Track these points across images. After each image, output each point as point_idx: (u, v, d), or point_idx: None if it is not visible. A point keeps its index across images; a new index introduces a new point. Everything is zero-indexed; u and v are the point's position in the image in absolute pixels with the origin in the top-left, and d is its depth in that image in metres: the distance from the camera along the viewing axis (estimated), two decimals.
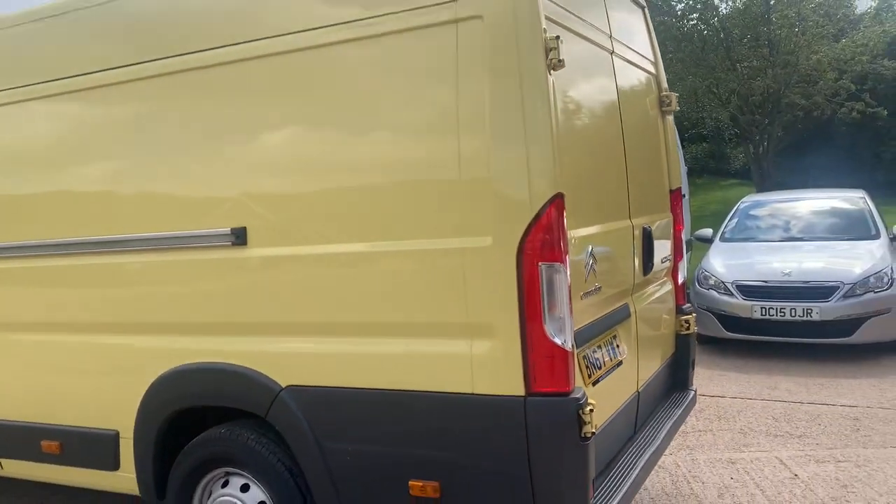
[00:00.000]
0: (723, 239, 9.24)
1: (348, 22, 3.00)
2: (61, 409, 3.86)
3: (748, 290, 7.84)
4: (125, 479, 3.75)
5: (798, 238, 8.87)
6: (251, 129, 3.25)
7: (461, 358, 2.84)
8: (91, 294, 3.68)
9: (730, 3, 24.15)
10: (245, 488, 3.43)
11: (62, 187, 3.73)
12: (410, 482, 2.98)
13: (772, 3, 22.75)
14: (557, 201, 2.70)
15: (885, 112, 24.20)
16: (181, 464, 3.54)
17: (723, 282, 8.04)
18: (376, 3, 2.95)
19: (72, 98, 3.63)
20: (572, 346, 2.76)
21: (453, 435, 2.89)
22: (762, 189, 21.12)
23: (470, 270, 2.80)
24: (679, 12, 23.57)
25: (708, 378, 7.01)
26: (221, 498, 3.47)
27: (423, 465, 2.97)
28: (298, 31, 3.10)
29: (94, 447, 3.77)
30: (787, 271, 7.81)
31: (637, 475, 3.33)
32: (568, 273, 2.75)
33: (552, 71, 2.76)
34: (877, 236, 8.49)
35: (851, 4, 26.77)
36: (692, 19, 23.84)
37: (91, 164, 3.64)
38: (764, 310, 7.69)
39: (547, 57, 2.73)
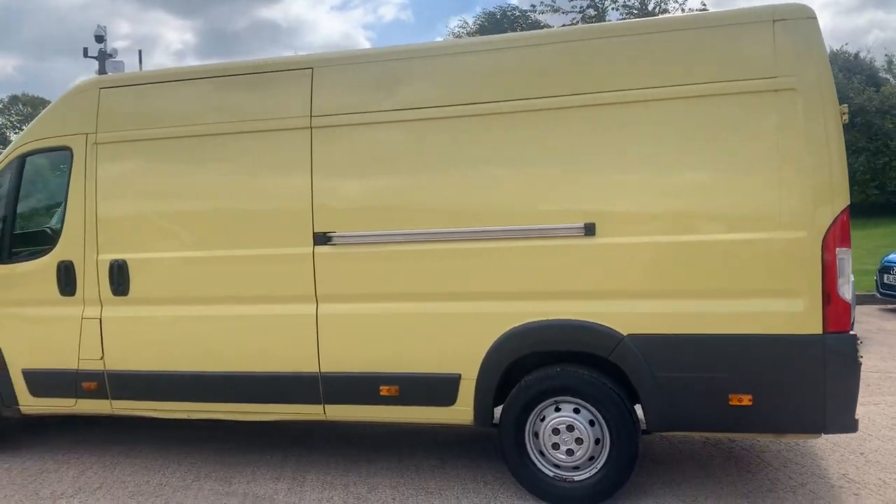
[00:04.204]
0: None
1: (700, 83, 4.46)
2: (403, 360, 4.96)
3: None
4: (459, 411, 4.94)
5: None
6: (606, 156, 4.61)
7: (778, 311, 4.36)
8: (460, 269, 4.83)
9: None
10: (576, 411, 4.76)
11: (452, 188, 4.87)
12: (730, 395, 4.46)
13: None
14: (847, 209, 4.31)
15: None
16: (518, 396, 4.80)
17: None
18: (726, 71, 4.42)
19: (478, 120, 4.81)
20: (852, 302, 4.37)
21: (766, 361, 4.39)
22: None
23: (789, 254, 4.33)
24: None
25: None
26: (557, 419, 4.77)
27: (740, 383, 4.45)
28: (658, 87, 4.52)
29: (434, 388, 4.93)
30: None
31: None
32: (850, 256, 4.35)
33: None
34: None
35: None
36: None
37: (481, 172, 4.82)
38: None
39: (842, 117, 4.33)
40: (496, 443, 4.96)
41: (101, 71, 21.04)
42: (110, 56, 21.14)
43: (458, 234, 4.82)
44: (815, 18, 4.41)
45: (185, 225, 5.36)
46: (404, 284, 4.94)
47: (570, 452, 4.74)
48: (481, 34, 36.49)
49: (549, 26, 34.47)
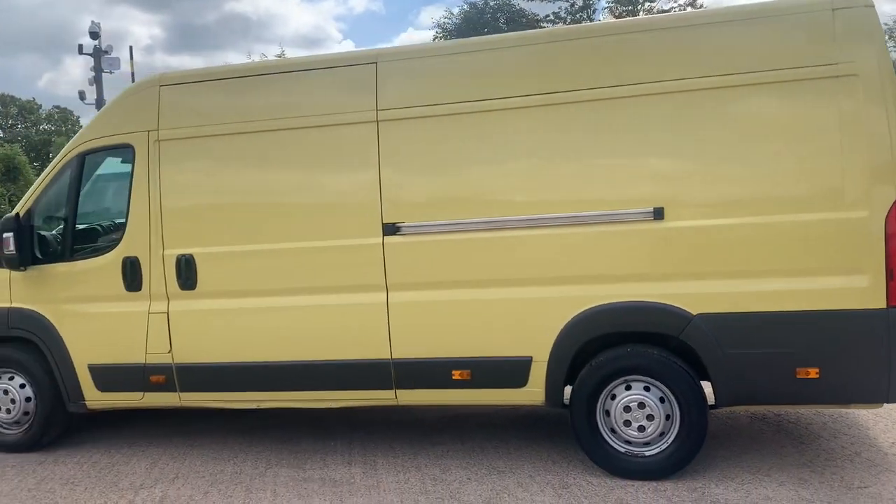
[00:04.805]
0: None
1: (763, 71, 4.65)
2: (475, 344, 5.12)
3: None
4: (531, 393, 5.11)
5: None
6: (674, 142, 4.79)
7: (843, 288, 4.57)
8: (531, 255, 4.99)
9: None
10: (646, 389, 4.95)
11: (521, 177, 5.04)
12: (797, 369, 4.67)
13: None
14: None
15: None
16: (590, 376, 4.98)
17: None
18: (788, 59, 4.61)
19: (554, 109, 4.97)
20: None
21: (832, 335, 4.60)
22: None
23: (853, 233, 4.54)
24: None
25: None
26: (629, 397, 4.95)
27: (807, 356, 4.66)
28: (721, 75, 4.71)
29: (506, 371, 5.10)
30: None
31: None
32: None
33: None
34: None
35: None
36: None
37: (550, 160, 4.99)
38: None
39: None
40: (570, 422, 5.11)
41: (97, 67, 20.92)
42: (105, 52, 21.01)
43: (529, 221, 4.98)
44: (873, 6, 4.61)
45: (252, 218, 5.46)
46: (475, 271, 5.09)
47: (641, 429, 4.93)
48: (465, 23, 36.56)
49: (535, 15, 34.69)
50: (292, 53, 44.11)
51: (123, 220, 5.74)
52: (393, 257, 5.19)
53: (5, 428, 6.10)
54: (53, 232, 6.02)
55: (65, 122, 75.60)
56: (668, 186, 4.79)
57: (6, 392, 6.03)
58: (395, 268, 5.20)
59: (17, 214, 5.81)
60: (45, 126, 75.45)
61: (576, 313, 4.94)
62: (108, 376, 5.78)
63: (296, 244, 5.36)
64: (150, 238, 5.61)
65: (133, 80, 22.50)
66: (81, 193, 5.92)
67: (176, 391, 5.68)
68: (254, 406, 5.65)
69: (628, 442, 4.99)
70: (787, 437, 5.64)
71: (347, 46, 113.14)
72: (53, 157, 55.65)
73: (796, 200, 4.63)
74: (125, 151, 5.73)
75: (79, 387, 5.85)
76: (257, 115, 5.46)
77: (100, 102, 22.52)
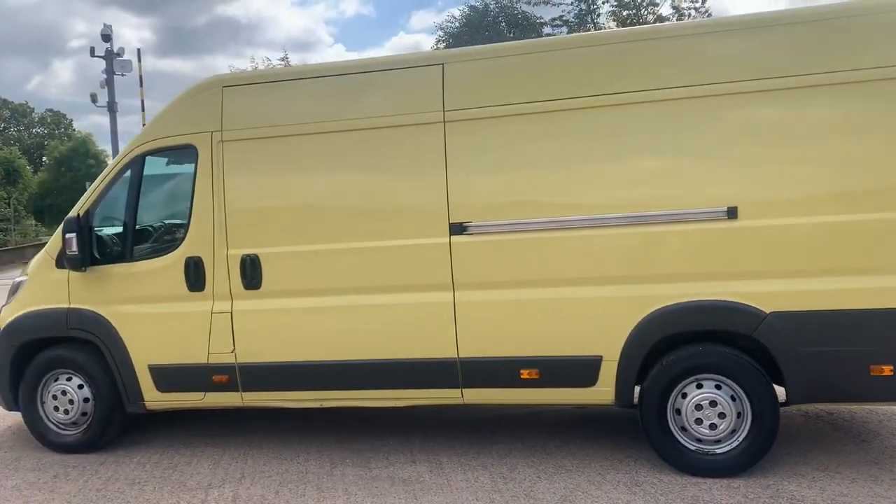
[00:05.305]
0: None
1: (835, 72, 4.70)
2: (544, 343, 5.14)
3: None
4: (600, 391, 5.14)
5: None
6: (748, 142, 4.82)
7: None
8: (602, 254, 5.02)
9: None
10: (717, 387, 4.98)
11: (591, 177, 5.09)
12: (870, 366, 4.71)
13: None
14: None
15: None
16: (662, 375, 5.01)
17: None
18: (860, 60, 4.67)
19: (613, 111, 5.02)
20: None
21: None
22: None
23: None
24: None
25: None
26: (700, 395, 4.99)
27: (880, 354, 4.70)
28: (794, 76, 4.75)
29: (575, 370, 5.13)
30: None
31: None
32: None
33: None
34: None
35: None
36: None
37: (623, 160, 5.04)
38: None
39: None
40: (640, 421, 5.15)
41: (109, 69, 20.87)
42: (118, 55, 20.96)
43: (600, 221, 5.01)
44: None
45: (318, 218, 5.48)
46: (544, 271, 5.12)
47: (713, 427, 4.96)
48: (468, 26, 36.67)
49: (538, 18, 34.81)
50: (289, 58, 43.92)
51: (185, 221, 5.74)
52: (460, 257, 5.22)
53: (63, 429, 6.09)
54: (111, 232, 6.02)
55: (58, 125, 75.44)
56: (742, 185, 4.83)
57: (64, 393, 6.02)
58: (462, 267, 5.23)
59: (78, 215, 5.80)
60: (37, 129, 75.26)
61: (648, 312, 4.98)
62: (169, 376, 5.78)
63: (362, 244, 5.38)
64: (214, 238, 5.62)
65: (141, 84, 22.57)
66: (141, 194, 5.90)
67: (238, 391, 5.68)
68: (317, 405, 5.66)
69: (699, 440, 5.02)
70: (847, 436, 5.69)
71: (338, 50, 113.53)
72: (47, 159, 55.50)
73: (871, 199, 4.68)
74: (187, 152, 5.73)
75: (138, 387, 5.85)
76: (321, 116, 5.48)
77: (112, 105, 22.50)
